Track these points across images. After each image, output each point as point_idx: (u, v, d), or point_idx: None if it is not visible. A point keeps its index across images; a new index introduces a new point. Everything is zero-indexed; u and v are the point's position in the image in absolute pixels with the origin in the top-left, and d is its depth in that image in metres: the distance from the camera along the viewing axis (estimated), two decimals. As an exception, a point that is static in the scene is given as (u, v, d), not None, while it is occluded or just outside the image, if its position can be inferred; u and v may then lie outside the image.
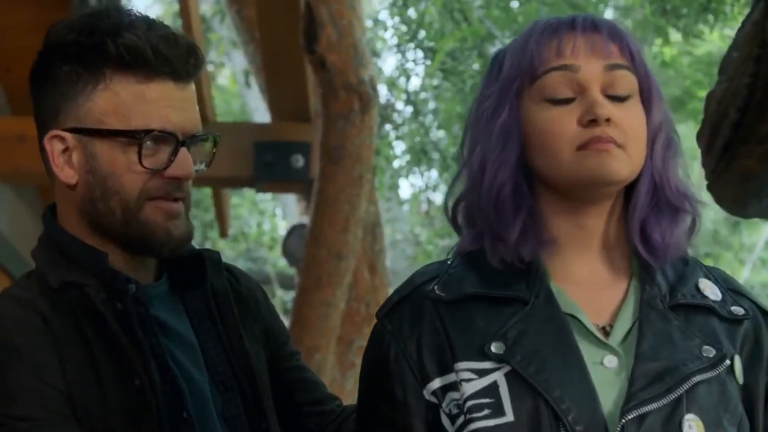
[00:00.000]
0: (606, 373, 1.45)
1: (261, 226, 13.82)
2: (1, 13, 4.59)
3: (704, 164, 0.96)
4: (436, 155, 11.65)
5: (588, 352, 1.46)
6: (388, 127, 11.41)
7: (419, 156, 11.67)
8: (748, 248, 12.91)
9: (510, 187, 1.50)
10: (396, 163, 12.13)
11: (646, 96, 1.52)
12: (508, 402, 1.42)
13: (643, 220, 1.52)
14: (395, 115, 11.67)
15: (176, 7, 6.71)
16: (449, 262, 1.56)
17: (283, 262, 9.75)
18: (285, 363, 1.78)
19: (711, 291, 1.53)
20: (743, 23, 0.92)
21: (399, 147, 12.16)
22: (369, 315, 5.61)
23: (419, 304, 1.51)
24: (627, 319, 1.50)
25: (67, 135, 1.60)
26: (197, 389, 1.61)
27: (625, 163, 1.48)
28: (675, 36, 8.90)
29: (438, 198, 13.70)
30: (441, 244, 12.98)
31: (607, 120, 1.46)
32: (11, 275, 5.28)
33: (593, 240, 1.53)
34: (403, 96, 11.58)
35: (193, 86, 1.64)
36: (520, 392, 1.42)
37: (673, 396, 1.42)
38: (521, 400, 1.42)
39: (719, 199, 0.95)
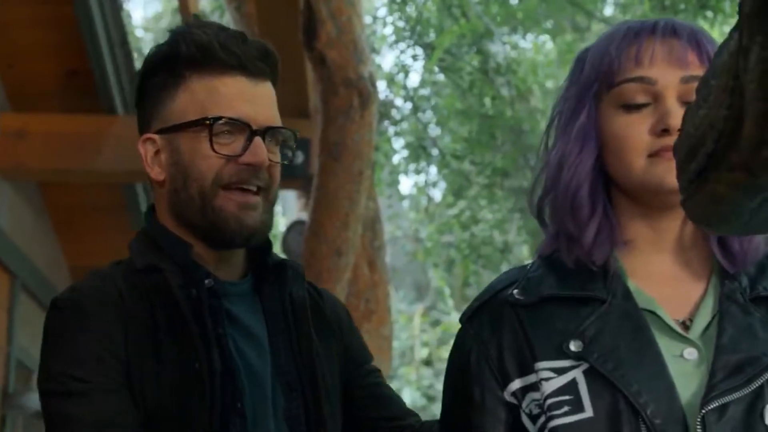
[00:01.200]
0: (686, 365, 1.46)
1: (260, 222, 13.79)
2: (3, 10, 4.60)
3: (678, 178, 0.98)
4: (435, 151, 11.66)
5: (668, 345, 1.47)
6: (386, 123, 11.41)
7: (417, 152, 11.68)
8: None
9: (586, 189, 1.53)
10: (396, 159, 12.14)
11: None
12: (587, 398, 1.44)
13: None
14: (393, 112, 11.68)
15: (176, 3, 6.72)
16: (528, 267, 1.60)
17: (282, 258, 9.75)
18: (363, 380, 1.84)
19: None
20: (721, 50, 0.93)
21: (398, 143, 12.17)
22: (368, 311, 5.63)
23: (499, 308, 1.54)
24: (707, 314, 1.51)
25: (156, 136, 1.72)
26: (258, 384, 1.67)
27: None
28: (674, 32, 8.90)
29: (437, 195, 13.70)
30: (441, 240, 12.99)
31: (680, 130, 1.48)
32: (10, 271, 5.29)
33: (669, 240, 1.55)
34: (402, 92, 11.58)
35: (270, 85, 1.73)
36: (599, 388, 1.44)
37: (754, 386, 1.42)
38: (600, 396, 1.44)
39: (691, 217, 0.97)
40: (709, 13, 8.66)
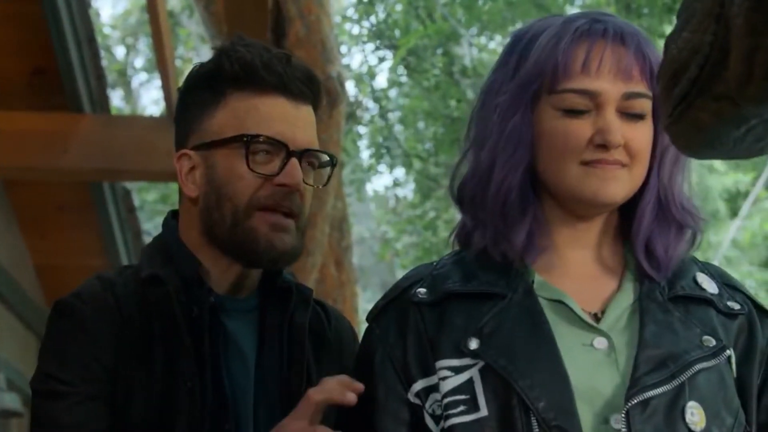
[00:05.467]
0: (596, 354, 1.47)
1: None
2: (-32, 7, 4.56)
3: (661, 106, 0.98)
4: (398, 152, 11.67)
5: (577, 335, 1.48)
6: (349, 122, 11.40)
7: (381, 152, 11.70)
8: (715, 246, 13.03)
9: (518, 193, 1.53)
10: (364, 158, 12.14)
11: None
12: (482, 397, 1.45)
13: (648, 236, 1.55)
14: (359, 111, 11.68)
15: (144, 1, 6.70)
16: (435, 264, 1.60)
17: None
18: None
19: (708, 284, 1.57)
20: None
21: (363, 143, 12.18)
22: (335, 310, 5.63)
23: (404, 308, 1.55)
24: (619, 308, 1.52)
25: (192, 153, 1.72)
26: (243, 404, 1.67)
27: (625, 184, 1.51)
28: (640, 35, 8.98)
29: (402, 193, 13.72)
30: (408, 240, 13.01)
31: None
32: (-24, 269, 5.25)
33: (587, 240, 1.57)
34: (368, 90, 11.59)
35: (310, 109, 1.72)
36: (494, 386, 1.44)
37: (676, 382, 1.44)
38: (495, 394, 1.44)
39: (675, 141, 0.98)
40: (674, 17, 8.73)
